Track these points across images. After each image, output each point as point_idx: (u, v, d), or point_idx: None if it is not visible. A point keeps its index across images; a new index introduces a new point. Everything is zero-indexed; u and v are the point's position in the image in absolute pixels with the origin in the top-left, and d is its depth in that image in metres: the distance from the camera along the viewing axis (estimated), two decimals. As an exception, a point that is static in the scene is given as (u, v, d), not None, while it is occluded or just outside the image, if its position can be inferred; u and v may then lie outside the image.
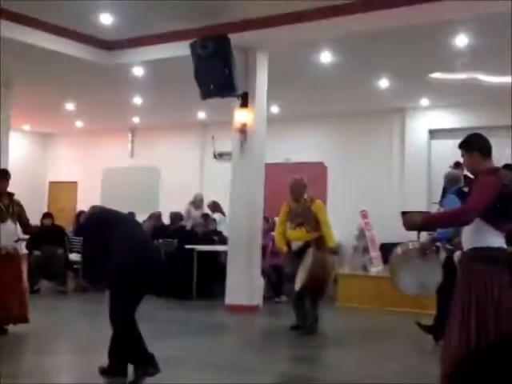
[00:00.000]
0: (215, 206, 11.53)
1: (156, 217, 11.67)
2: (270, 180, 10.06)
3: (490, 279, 3.82)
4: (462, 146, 4.12)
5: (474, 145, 4.05)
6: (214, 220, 11.07)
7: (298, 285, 6.71)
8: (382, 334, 7.33)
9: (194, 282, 9.57)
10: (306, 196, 7.03)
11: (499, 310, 3.77)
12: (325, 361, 6.19)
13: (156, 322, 7.21)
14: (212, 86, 8.04)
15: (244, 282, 8.39)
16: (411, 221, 3.91)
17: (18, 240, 6.70)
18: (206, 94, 8.15)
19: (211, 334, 7.02)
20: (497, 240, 3.93)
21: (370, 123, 12.14)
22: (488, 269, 3.85)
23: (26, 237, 8.09)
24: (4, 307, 6.30)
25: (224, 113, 9.39)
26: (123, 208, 12.52)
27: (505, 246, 3.99)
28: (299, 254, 6.85)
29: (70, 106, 12.59)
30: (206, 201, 11.83)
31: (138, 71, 9.86)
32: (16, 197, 6.54)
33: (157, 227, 11.04)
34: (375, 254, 9.69)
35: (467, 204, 3.86)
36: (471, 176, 4.95)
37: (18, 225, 6.53)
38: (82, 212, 11.04)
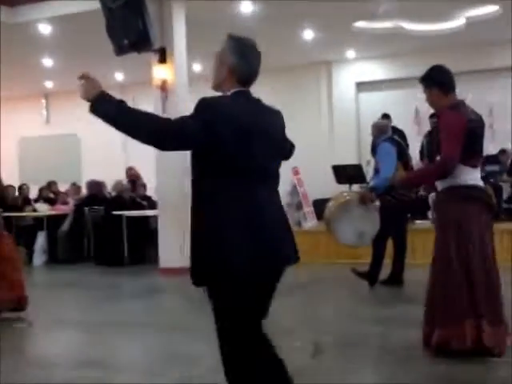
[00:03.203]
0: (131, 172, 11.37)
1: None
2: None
3: (469, 221, 3.71)
4: (421, 81, 3.97)
5: (434, 80, 3.90)
6: (144, 186, 10.99)
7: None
8: (318, 284, 7.33)
9: (124, 247, 9.42)
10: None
11: (480, 251, 3.71)
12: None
13: (88, 287, 7.26)
14: (126, 41, 7.44)
15: (176, 245, 8.05)
16: (400, 184, 4.48)
17: None
18: (120, 49, 7.51)
19: (148, 297, 6.93)
20: (471, 177, 3.78)
21: (297, 78, 11.84)
22: (466, 209, 3.72)
23: None
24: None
25: (144, 73, 8.83)
26: (43, 178, 12.26)
27: (480, 183, 3.86)
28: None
29: (-27, 72, 11.57)
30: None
31: (45, 28, 9.08)
32: None
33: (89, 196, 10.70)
34: (308, 209, 9.60)
35: (445, 154, 3.72)
36: (399, 128, 4.78)
37: None
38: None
